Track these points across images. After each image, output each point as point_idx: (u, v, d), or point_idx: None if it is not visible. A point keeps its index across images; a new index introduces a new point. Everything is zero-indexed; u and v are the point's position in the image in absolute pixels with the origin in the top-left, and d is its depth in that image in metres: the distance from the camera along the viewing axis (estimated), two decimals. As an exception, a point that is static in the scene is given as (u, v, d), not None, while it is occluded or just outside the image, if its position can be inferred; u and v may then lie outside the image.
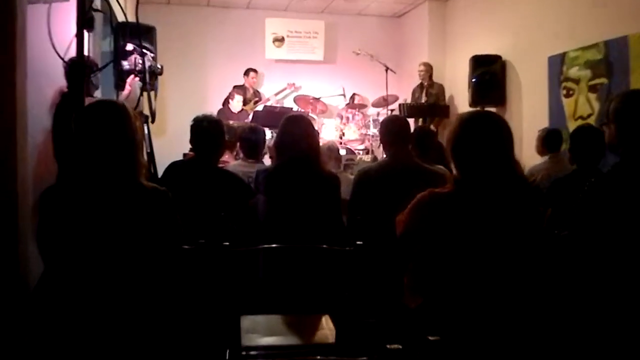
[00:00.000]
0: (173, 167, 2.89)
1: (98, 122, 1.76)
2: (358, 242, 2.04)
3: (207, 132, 2.76)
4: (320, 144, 3.34)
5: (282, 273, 2.16)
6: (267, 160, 4.74)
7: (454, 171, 1.82)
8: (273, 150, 2.78)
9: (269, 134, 4.14)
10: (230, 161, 3.82)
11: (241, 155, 3.67)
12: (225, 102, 7.22)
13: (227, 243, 1.97)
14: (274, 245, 2.07)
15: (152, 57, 3.82)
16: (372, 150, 6.88)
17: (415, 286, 1.83)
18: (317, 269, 2.14)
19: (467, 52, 6.30)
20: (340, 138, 6.93)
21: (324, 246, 2.08)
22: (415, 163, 2.81)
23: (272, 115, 6.27)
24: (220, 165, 3.03)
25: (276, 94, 7.79)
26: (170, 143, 6.43)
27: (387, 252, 2.32)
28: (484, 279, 1.68)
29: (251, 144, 3.38)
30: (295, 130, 2.61)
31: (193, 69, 7.66)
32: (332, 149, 3.86)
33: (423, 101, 6.85)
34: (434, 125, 6.66)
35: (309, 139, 2.63)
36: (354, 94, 7.74)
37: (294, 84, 7.95)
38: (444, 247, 1.72)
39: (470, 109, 5.79)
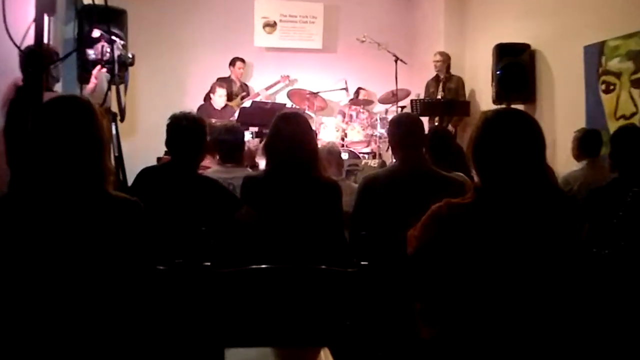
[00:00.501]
0: (145, 173, 2.89)
1: (58, 121, 1.76)
2: (362, 262, 2.04)
3: (186, 132, 2.77)
4: (319, 146, 3.35)
5: (273, 298, 2.15)
6: (261, 165, 4.75)
7: (475, 179, 1.82)
8: (263, 154, 2.78)
9: (247, 135, 4.11)
10: (212, 166, 3.81)
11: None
12: (207, 97, 7.24)
13: (209, 263, 1.96)
14: (264, 266, 2.06)
15: (122, 45, 3.85)
16: (380, 154, 6.89)
17: (430, 313, 1.83)
18: (315, 293, 2.14)
19: (491, 40, 6.33)
20: (342, 140, 6.95)
21: (323, 267, 2.07)
22: (430, 169, 2.82)
23: (262, 113, 6.30)
24: (201, 171, 3.03)
25: (267, 88, 7.82)
26: (142, 145, 6.44)
27: (397, 274, 2.31)
28: (510, 306, 1.67)
29: (229, 146, 3.38)
30: (290, 130, 2.62)
31: (170, 59, 7.69)
32: (333, 152, 3.86)
33: (439, 97, 6.88)
34: (451, 125, 6.69)
35: (305, 141, 2.64)
36: (358, 89, 7.78)
37: (287, 76, 7.98)
38: (463, 268, 1.72)
39: (494, 106, 5.81)
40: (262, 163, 6.84)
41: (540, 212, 1.72)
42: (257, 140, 4.13)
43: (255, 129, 6.39)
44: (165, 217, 2.52)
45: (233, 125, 3.57)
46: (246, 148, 3.90)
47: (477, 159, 1.80)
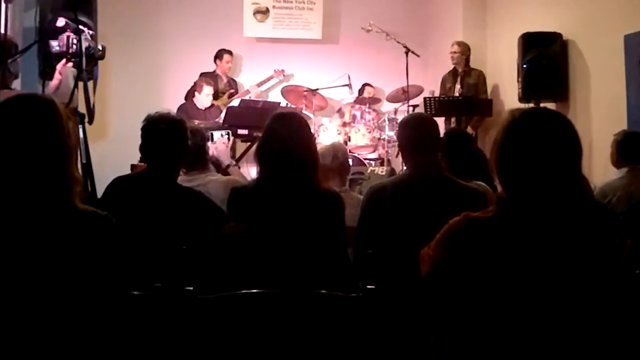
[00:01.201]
0: (118, 183, 2.90)
1: (16, 124, 1.77)
2: (369, 286, 2.03)
3: (164, 136, 2.78)
4: (320, 149, 3.34)
5: (265, 328, 2.14)
6: (252, 173, 4.73)
7: (499, 188, 1.82)
8: (255, 160, 2.79)
9: (216, 134, 4.08)
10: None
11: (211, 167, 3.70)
12: (190, 95, 7.27)
13: (191, 288, 1.96)
14: (254, 291, 2.06)
15: (91, 36, 3.86)
16: (388, 161, 6.92)
17: (446, 345, 1.82)
18: (314, 322, 2.13)
19: (516, 29, 6.35)
20: (345, 143, 6.96)
21: (322, 291, 2.07)
22: (446, 178, 2.83)
23: (253, 113, 6.32)
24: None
25: (259, 84, 7.85)
26: (113, 151, 6.45)
27: (408, 300, 2.31)
28: (540, 335, 1.67)
29: (191, 151, 3.40)
30: (285, 132, 2.63)
31: (146, 52, 7.73)
32: (338, 157, 3.74)
33: (457, 94, 6.90)
34: (471, 126, 6.71)
35: (303, 145, 2.65)
36: (363, 85, 7.81)
37: (282, 70, 8.02)
38: (485, 293, 1.72)
39: (521, 105, 5.82)
40: (252, 171, 6.93)
41: (574, 228, 1.72)
42: (224, 138, 4.12)
43: (245, 131, 6.40)
44: (140, 234, 2.51)
45: (192, 128, 3.59)
46: (213, 151, 3.92)
47: (501, 167, 1.80)
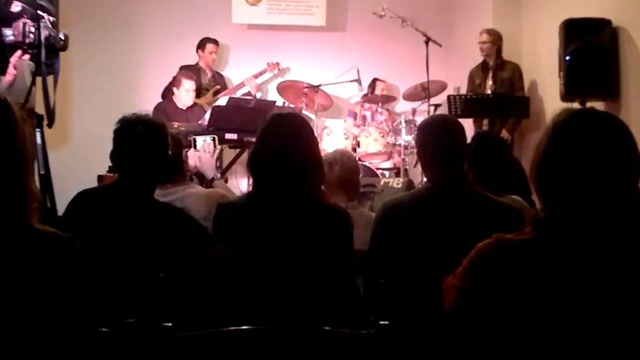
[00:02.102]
0: (83, 199, 2.90)
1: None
2: (381, 322, 2.03)
3: (141, 142, 2.79)
4: (324, 157, 3.34)
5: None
6: (232, 183, 4.70)
7: (537, 205, 1.82)
8: (247, 170, 2.80)
9: (199, 140, 4.01)
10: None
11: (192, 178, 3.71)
12: (168, 93, 7.29)
13: (170, 323, 1.96)
14: (245, 328, 2.06)
15: (52, 23, 3.87)
16: (405, 171, 6.92)
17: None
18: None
19: (556, 15, 6.36)
20: (354, 150, 6.97)
21: (327, 328, 2.07)
22: (474, 192, 2.84)
23: (243, 113, 6.32)
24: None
25: (255, 76, 7.86)
26: (77, 159, 6.48)
27: (428, 338, 2.31)
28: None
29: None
30: (282, 137, 2.65)
31: (115, 41, 7.78)
32: (348, 168, 3.70)
33: (487, 91, 6.91)
34: (505, 130, 6.71)
35: (304, 152, 2.66)
36: (374, 80, 7.82)
37: (277, 64, 8.04)
38: (521, 331, 1.71)
39: (563, 104, 5.82)
40: (242, 184, 6.93)
41: (628, 252, 1.72)
42: (209, 145, 4.05)
43: (233, 135, 6.39)
44: (110, 259, 2.53)
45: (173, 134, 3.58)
46: (195, 162, 3.90)
47: (541, 179, 1.80)
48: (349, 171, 3.69)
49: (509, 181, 3.42)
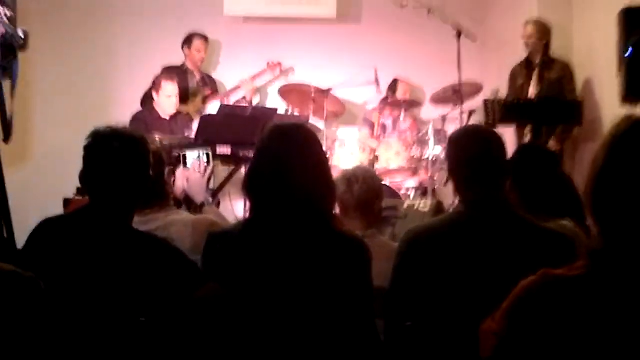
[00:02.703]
0: (47, 228, 2.90)
1: None
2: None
3: (118, 160, 2.79)
4: (335, 176, 3.34)
5: None
6: (225, 206, 4.67)
7: (593, 231, 1.81)
8: (243, 193, 2.79)
9: (189, 155, 3.94)
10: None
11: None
12: (148, 99, 7.30)
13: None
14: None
15: (8, 18, 3.90)
16: (433, 191, 6.91)
17: None
18: None
19: (613, 3, 6.36)
20: (372, 165, 6.96)
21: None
22: (517, 217, 2.83)
23: (238, 123, 6.34)
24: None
25: (252, 78, 7.84)
26: (39, 180, 6.49)
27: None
28: None
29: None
30: (284, 152, 2.65)
31: (87, 39, 7.81)
32: (361, 180, 3.68)
33: (532, 95, 6.91)
34: (554, 140, 6.69)
35: (310, 171, 2.66)
36: (395, 81, 7.82)
37: (278, 64, 8.05)
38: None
39: (624, 110, 5.81)
40: (236, 207, 6.91)
41: None
42: (201, 164, 3.98)
43: (226, 149, 6.40)
44: (80, 302, 2.52)
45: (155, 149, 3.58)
46: (183, 183, 3.88)
47: (598, 202, 1.78)
48: (372, 192, 3.67)
49: (559, 203, 3.40)
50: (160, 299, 2.62)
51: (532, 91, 6.95)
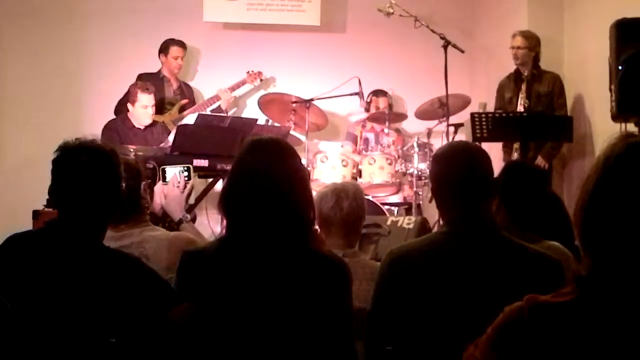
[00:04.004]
0: (14, 245, 2.88)
1: None
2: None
3: (85, 175, 2.78)
4: (315, 194, 3.33)
5: None
6: (202, 221, 4.67)
7: (582, 255, 1.81)
8: (219, 210, 2.78)
9: (170, 171, 3.88)
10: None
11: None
12: (122, 108, 7.29)
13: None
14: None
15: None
16: (418, 207, 6.92)
17: None
18: None
19: (607, 13, 6.39)
20: (355, 179, 6.94)
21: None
22: (503, 238, 2.83)
23: (216, 135, 6.32)
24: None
25: (231, 88, 7.90)
26: (7, 190, 6.46)
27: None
28: None
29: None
30: (261, 167, 2.66)
31: (59, 43, 7.79)
32: (343, 196, 3.62)
33: (521, 108, 6.93)
34: (541, 156, 6.71)
35: (289, 185, 2.66)
36: (375, 93, 7.82)
37: (259, 73, 8.06)
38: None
39: (616, 126, 5.83)
40: (213, 223, 6.88)
41: None
42: (180, 179, 3.90)
43: (204, 161, 6.36)
44: (49, 323, 2.51)
45: (123, 159, 3.56)
46: (160, 199, 3.85)
47: (587, 226, 1.78)
48: (361, 211, 3.68)
49: (547, 223, 3.41)
50: (131, 319, 2.61)
51: (520, 105, 6.97)
